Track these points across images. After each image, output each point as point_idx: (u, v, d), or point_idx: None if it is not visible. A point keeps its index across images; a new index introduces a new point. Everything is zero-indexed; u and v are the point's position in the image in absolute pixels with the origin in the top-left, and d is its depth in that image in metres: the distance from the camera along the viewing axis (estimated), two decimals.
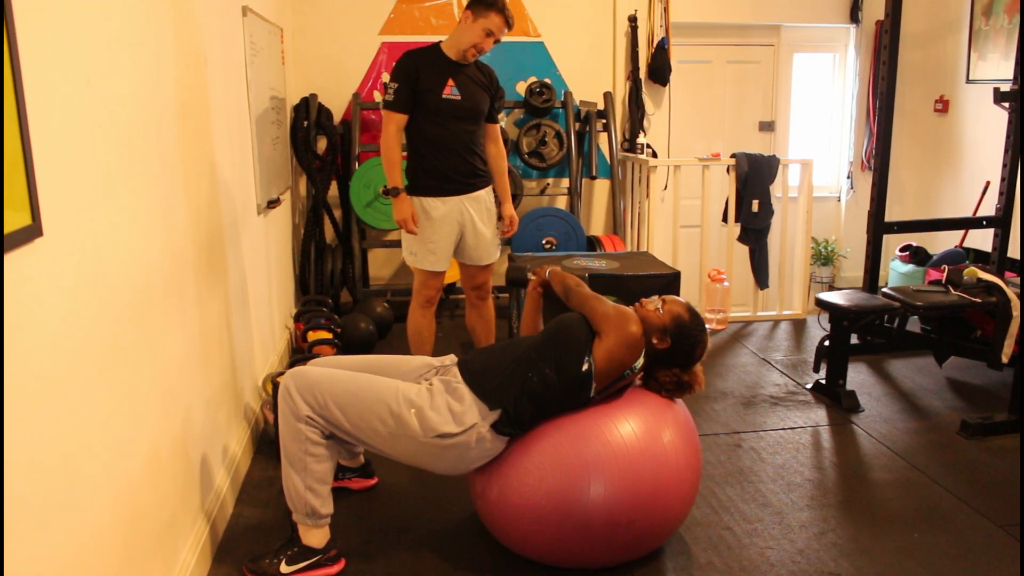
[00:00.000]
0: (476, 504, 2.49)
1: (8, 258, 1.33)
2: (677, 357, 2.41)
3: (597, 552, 2.32)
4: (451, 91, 3.33)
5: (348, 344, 4.16)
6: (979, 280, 3.75)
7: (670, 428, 2.34)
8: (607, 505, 2.22)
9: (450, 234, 3.46)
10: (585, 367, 2.26)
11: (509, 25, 3.30)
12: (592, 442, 2.25)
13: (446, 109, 3.34)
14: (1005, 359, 3.62)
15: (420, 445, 2.27)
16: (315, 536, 2.35)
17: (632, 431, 2.27)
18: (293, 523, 2.35)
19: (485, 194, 3.54)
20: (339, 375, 2.33)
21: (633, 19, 5.43)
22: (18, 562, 1.35)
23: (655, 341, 2.37)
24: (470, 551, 2.52)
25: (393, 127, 3.33)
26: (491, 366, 2.35)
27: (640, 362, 2.35)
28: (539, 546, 2.35)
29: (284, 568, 2.31)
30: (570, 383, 2.27)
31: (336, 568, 2.37)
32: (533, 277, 2.80)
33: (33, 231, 1.42)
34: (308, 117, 4.97)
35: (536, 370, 2.29)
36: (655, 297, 2.48)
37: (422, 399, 2.27)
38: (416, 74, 3.29)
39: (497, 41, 3.34)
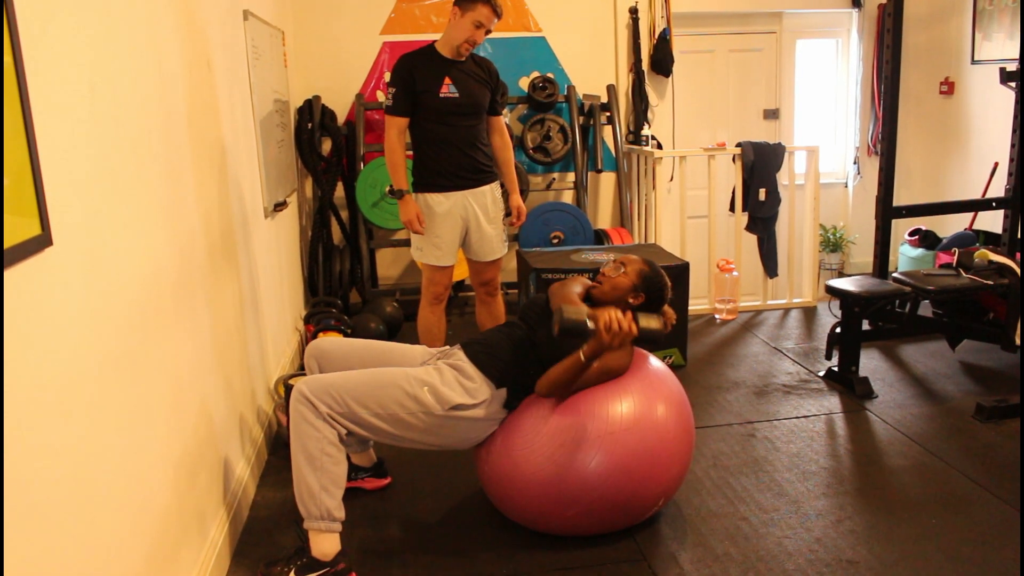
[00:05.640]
0: (486, 488, 2.63)
1: (19, 268, 1.34)
2: (652, 305, 2.63)
3: (602, 519, 2.48)
4: (448, 89, 3.35)
5: None
6: (990, 262, 3.73)
7: (663, 402, 2.52)
8: (607, 472, 2.37)
9: (454, 229, 3.47)
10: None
11: (498, 14, 3.30)
12: (591, 419, 2.40)
13: (445, 107, 3.36)
14: (1019, 341, 3.60)
15: (436, 421, 2.41)
16: (327, 543, 2.31)
17: (627, 407, 2.43)
18: (304, 533, 2.33)
19: (490, 189, 3.54)
20: (349, 374, 2.42)
21: (634, 11, 5.42)
22: (39, 572, 1.35)
23: (631, 300, 2.58)
24: (486, 548, 2.52)
25: (394, 131, 3.38)
26: (493, 349, 2.54)
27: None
28: (547, 517, 2.48)
29: None
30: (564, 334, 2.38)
31: None
32: (593, 327, 2.27)
33: (43, 241, 1.42)
34: (312, 119, 4.98)
35: (534, 347, 2.53)
36: (609, 262, 2.66)
37: (432, 377, 2.44)
38: (412, 77, 3.32)
39: (488, 32, 3.34)
